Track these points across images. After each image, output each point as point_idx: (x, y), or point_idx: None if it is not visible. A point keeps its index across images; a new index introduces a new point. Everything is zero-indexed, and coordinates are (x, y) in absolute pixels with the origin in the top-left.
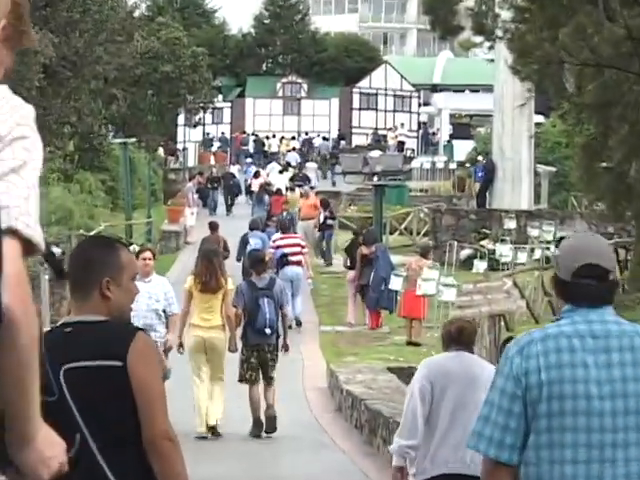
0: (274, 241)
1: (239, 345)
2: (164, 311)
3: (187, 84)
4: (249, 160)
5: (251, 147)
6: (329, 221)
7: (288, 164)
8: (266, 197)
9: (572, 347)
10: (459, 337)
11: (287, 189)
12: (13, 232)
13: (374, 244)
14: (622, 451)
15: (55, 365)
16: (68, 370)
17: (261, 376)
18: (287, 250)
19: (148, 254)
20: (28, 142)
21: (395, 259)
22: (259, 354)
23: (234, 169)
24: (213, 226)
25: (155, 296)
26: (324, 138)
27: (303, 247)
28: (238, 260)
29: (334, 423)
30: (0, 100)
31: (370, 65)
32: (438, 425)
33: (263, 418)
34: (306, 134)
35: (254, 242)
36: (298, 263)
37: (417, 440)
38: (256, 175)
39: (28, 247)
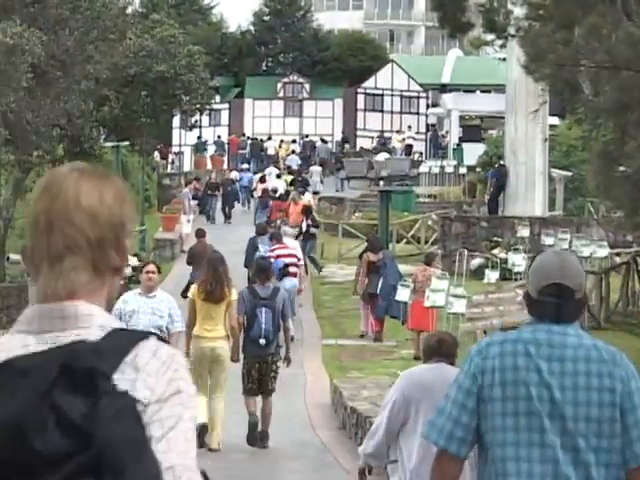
0: (273, 250)
1: (241, 355)
2: (167, 328)
3: (183, 84)
4: (245, 165)
5: (249, 149)
6: (312, 229)
7: (289, 168)
8: (271, 202)
9: (528, 352)
10: (439, 349)
11: (286, 193)
12: None
13: (381, 250)
14: (571, 454)
15: None
16: None
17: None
18: (287, 260)
19: (152, 267)
20: (183, 396)
21: (402, 268)
22: (260, 366)
23: (234, 175)
24: (200, 234)
25: (159, 312)
26: (323, 140)
27: (299, 259)
28: (246, 266)
29: (338, 442)
30: (151, 359)
31: (376, 64)
32: (418, 440)
33: (260, 426)
34: (306, 137)
35: (263, 249)
36: (294, 275)
37: (378, 448)
38: (262, 180)
39: None
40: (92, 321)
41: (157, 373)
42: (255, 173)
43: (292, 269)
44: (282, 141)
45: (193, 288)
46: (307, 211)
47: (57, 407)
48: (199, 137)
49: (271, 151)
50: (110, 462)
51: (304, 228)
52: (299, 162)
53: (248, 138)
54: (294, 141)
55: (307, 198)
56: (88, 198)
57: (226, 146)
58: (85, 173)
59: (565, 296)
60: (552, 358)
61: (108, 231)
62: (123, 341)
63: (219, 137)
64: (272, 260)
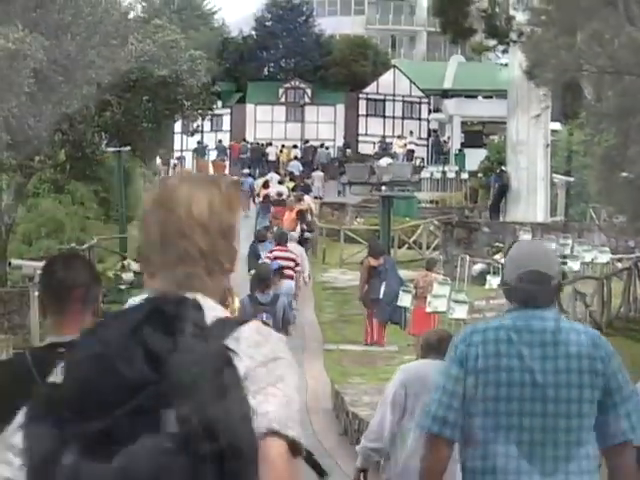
0: (272, 251)
1: None
2: None
3: (184, 89)
4: (246, 171)
5: (249, 155)
6: (306, 234)
7: (291, 174)
8: (272, 208)
9: (510, 339)
10: (439, 346)
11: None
12: (274, 433)
13: (382, 255)
14: (551, 434)
15: None
16: None
17: None
18: (283, 263)
19: None
20: (283, 361)
21: (404, 274)
22: None
23: (235, 179)
24: None
25: None
26: (321, 145)
27: (297, 264)
28: (250, 271)
29: (339, 447)
30: (252, 333)
31: (377, 69)
32: (411, 434)
33: None
34: (306, 142)
35: (264, 255)
36: (290, 277)
37: (382, 444)
38: (265, 185)
39: (293, 447)
40: (206, 311)
41: (257, 344)
42: (256, 179)
43: (287, 272)
44: (283, 146)
45: None
46: (302, 216)
47: (143, 341)
48: (199, 142)
49: (272, 157)
50: (186, 395)
51: (298, 233)
52: (301, 168)
53: (249, 143)
54: (295, 146)
55: (307, 201)
56: (199, 210)
57: (228, 151)
58: (195, 184)
59: (543, 282)
60: (533, 343)
61: (219, 239)
62: (231, 321)
63: (220, 142)
64: (269, 262)
